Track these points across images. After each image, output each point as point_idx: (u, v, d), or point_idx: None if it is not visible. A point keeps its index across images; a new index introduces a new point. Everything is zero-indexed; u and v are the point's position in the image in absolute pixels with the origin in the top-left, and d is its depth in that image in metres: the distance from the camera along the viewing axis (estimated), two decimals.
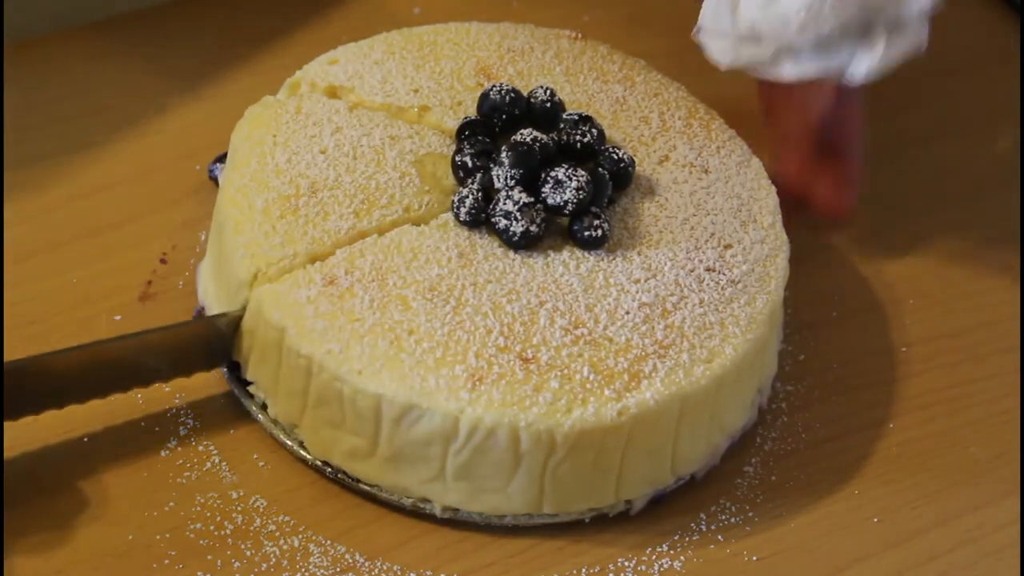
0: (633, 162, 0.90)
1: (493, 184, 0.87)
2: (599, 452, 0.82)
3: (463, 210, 0.86)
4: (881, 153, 1.09)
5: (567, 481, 0.83)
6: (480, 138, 0.89)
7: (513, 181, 0.86)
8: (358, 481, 0.85)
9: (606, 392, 0.81)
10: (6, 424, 0.86)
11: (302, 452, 0.86)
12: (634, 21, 1.17)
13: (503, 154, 0.87)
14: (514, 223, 0.85)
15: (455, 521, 0.85)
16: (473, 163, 0.88)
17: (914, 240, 1.04)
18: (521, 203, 0.85)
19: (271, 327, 0.84)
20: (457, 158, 0.89)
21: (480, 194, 0.87)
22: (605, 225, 0.86)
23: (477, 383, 0.81)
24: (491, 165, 0.88)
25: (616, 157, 0.90)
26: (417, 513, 0.85)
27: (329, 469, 0.85)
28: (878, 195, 1.06)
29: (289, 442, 0.86)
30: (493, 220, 0.86)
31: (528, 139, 0.87)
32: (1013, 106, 1.13)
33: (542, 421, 0.81)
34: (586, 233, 0.86)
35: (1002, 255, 1.03)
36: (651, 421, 0.82)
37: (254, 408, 0.88)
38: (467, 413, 0.80)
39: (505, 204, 0.86)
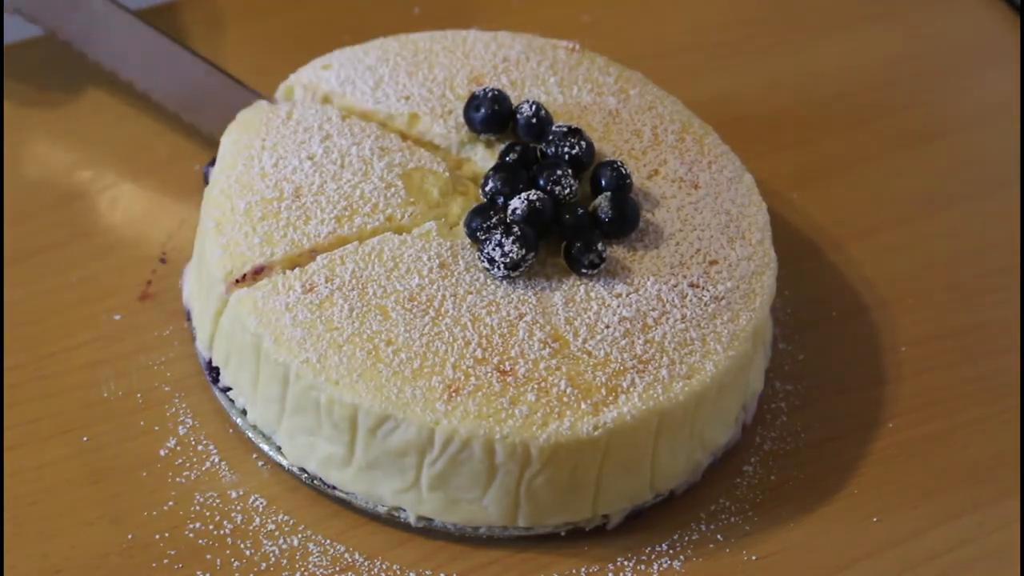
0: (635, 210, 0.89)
1: (503, 203, 0.87)
2: (575, 466, 0.82)
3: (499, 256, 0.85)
4: (881, 153, 1.09)
5: (543, 494, 0.83)
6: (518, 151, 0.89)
7: (513, 237, 0.84)
8: (334, 488, 0.85)
9: (583, 406, 0.81)
10: (6, 424, 0.86)
11: (279, 458, 0.86)
12: (634, 21, 1.17)
13: (517, 210, 0.86)
14: (497, 270, 0.85)
15: (431, 530, 0.85)
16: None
17: (914, 240, 1.04)
18: (511, 256, 0.84)
19: (249, 334, 0.84)
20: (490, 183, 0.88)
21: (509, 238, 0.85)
22: (605, 253, 0.86)
23: (453, 395, 0.81)
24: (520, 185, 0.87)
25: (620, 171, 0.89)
26: (392, 522, 0.85)
27: (305, 475, 0.86)
28: (878, 195, 1.06)
29: (267, 447, 0.86)
30: (479, 250, 0.85)
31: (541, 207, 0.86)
32: (1013, 106, 1.13)
33: (517, 434, 0.80)
34: (585, 261, 0.85)
35: (1002, 255, 1.03)
36: (628, 436, 0.82)
37: (234, 412, 0.88)
38: (442, 424, 0.80)
39: (494, 250, 0.84)
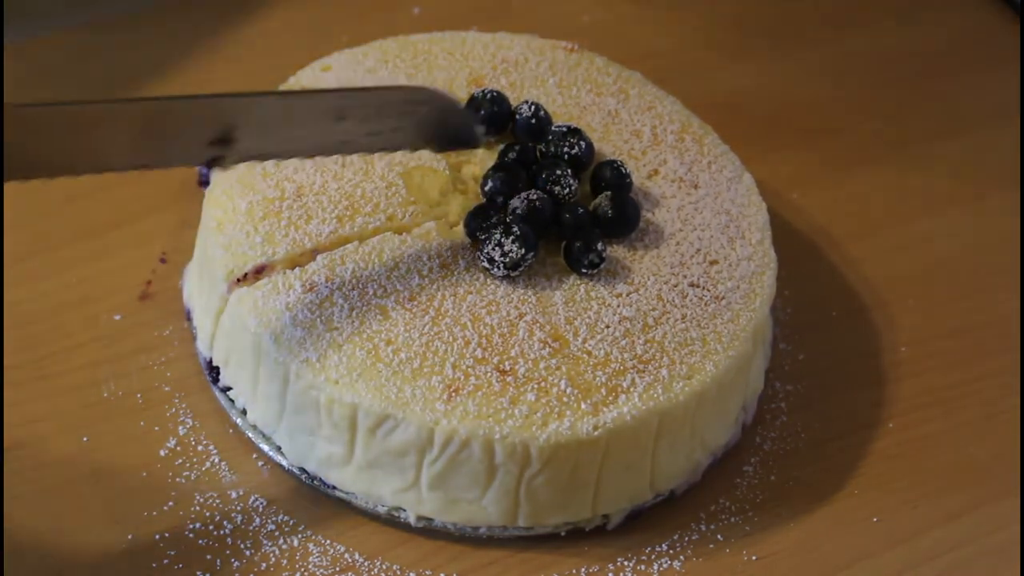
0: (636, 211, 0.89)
1: (503, 203, 0.87)
2: (575, 466, 0.82)
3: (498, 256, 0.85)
4: (881, 153, 1.09)
5: (543, 494, 0.83)
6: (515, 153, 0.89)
7: (513, 237, 0.85)
8: (334, 488, 0.85)
9: (583, 406, 0.81)
10: (6, 424, 0.86)
11: (279, 458, 0.86)
12: (634, 21, 1.17)
13: (517, 210, 0.86)
14: (497, 269, 0.85)
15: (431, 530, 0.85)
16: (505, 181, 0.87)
17: (914, 240, 1.04)
18: (510, 256, 0.84)
19: (249, 333, 0.84)
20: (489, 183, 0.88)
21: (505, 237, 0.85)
22: (604, 253, 0.86)
23: (453, 394, 0.81)
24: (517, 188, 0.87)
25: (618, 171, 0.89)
26: (392, 522, 0.85)
27: (305, 475, 0.85)
28: (878, 195, 1.06)
29: (267, 447, 0.86)
30: (479, 250, 0.85)
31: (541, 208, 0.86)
32: (1013, 106, 1.13)
33: (517, 434, 0.80)
34: (584, 261, 0.85)
35: (1002, 255, 1.03)
36: (628, 436, 0.82)
37: (234, 412, 0.88)
38: (442, 424, 0.80)
39: (494, 250, 0.84)
